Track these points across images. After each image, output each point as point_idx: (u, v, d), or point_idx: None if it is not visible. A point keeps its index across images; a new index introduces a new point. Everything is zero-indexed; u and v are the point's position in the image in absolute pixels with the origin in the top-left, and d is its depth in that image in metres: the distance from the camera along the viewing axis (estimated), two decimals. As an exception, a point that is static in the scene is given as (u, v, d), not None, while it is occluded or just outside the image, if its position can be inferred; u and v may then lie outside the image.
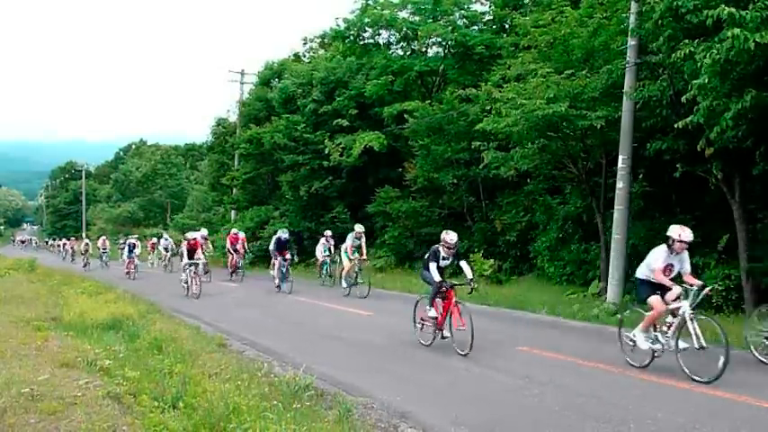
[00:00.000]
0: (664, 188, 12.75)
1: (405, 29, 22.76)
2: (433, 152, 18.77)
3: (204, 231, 21.68)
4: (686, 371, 6.74)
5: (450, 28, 20.86)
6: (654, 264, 7.15)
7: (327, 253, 17.39)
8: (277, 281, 16.36)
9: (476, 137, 15.81)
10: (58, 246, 47.77)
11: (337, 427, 5.14)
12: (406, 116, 19.60)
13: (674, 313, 7.08)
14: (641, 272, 7.46)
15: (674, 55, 8.97)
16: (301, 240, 24.28)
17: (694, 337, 6.65)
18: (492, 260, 16.68)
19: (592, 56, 12.77)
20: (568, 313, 11.52)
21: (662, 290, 7.17)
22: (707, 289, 6.97)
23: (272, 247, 16.99)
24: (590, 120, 11.81)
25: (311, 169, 23.91)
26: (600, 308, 11.40)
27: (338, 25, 23.96)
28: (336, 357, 8.49)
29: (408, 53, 23.93)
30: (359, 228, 15.64)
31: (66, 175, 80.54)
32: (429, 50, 23.63)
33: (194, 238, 16.48)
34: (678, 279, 7.21)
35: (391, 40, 24.45)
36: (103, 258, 30.18)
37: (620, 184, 11.91)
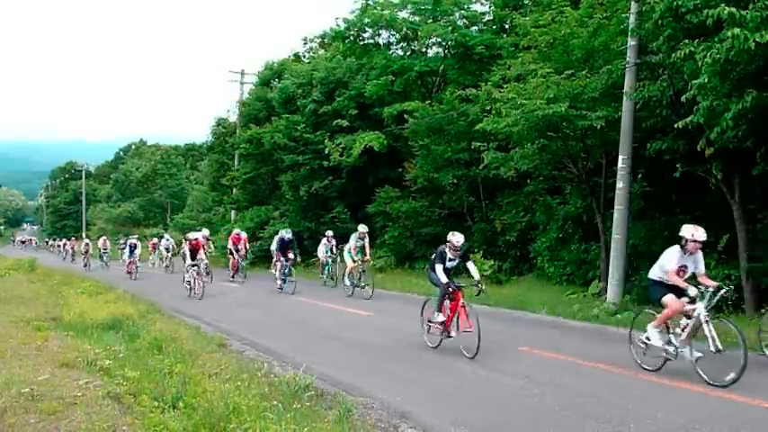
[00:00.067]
0: (664, 188, 12.75)
1: (405, 29, 22.75)
2: (433, 152, 18.77)
3: (206, 231, 21.67)
4: (703, 376, 6.55)
5: (450, 28, 20.85)
6: (667, 265, 6.99)
7: (329, 253, 17.33)
8: (279, 281, 16.32)
9: (476, 137, 15.81)
10: (59, 246, 47.74)
11: (337, 427, 5.14)
12: (406, 116, 19.60)
13: (688, 315, 6.89)
14: (654, 273, 7.32)
15: (674, 55, 8.97)
16: (301, 240, 24.28)
17: (710, 340, 6.47)
18: (492, 260, 16.69)
19: (592, 56, 12.77)
20: (568, 313, 11.52)
21: (675, 291, 6.97)
22: (723, 291, 6.76)
23: (274, 246, 16.94)
24: (590, 120, 11.80)
25: (311, 169, 23.91)
26: (600, 308, 11.40)
27: (338, 25, 23.97)
28: (336, 357, 8.49)
29: (408, 53, 23.93)
30: (362, 228, 15.48)
31: (66, 175, 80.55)
32: (429, 50, 23.65)
33: (196, 239, 16.42)
34: (692, 280, 7.00)
35: (391, 41, 24.46)
36: (104, 258, 30.17)
37: (620, 184, 11.91)
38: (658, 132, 11.18)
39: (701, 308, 6.69)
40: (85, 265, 29.58)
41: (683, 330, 6.89)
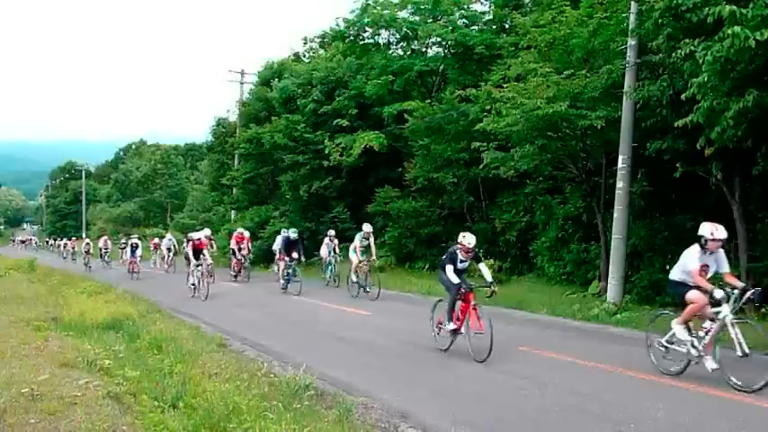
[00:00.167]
0: (664, 188, 12.74)
1: (405, 29, 22.74)
2: (432, 152, 18.76)
3: (207, 231, 21.65)
4: (731, 380, 6.29)
5: (450, 28, 20.84)
6: (689, 265, 6.73)
7: (332, 253, 17.24)
8: (282, 281, 16.23)
9: (476, 137, 15.80)
10: (59, 246, 47.71)
11: (337, 427, 5.14)
12: (405, 116, 19.58)
13: (712, 318, 6.61)
14: (675, 274, 7.07)
15: (674, 54, 8.97)
16: (302, 240, 24.26)
17: (737, 344, 6.23)
18: (492, 260, 16.66)
19: (592, 56, 12.76)
20: (568, 313, 11.52)
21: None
22: (749, 292, 6.45)
23: (278, 246, 16.86)
24: (590, 119, 11.80)
25: (311, 169, 23.91)
26: (600, 308, 11.40)
27: (338, 25, 23.98)
28: (337, 357, 8.49)
29: (408, 53, 23.91)
30: (367, 227, 15.35)
31: (67, 175, 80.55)
32: (429, 50, 23.63)
33: (199, 239, 16.32)
34: (714, 280, 6.73)
35: (391, 40, 24.44)
36: (105, 258, 30.14)
37: (620, 184, 11.90)
38: (658, 132, 11.17)
39: (726, 310, 6.43)
40: (86, 265, 29.54)
41: (706, 334, 6.65)
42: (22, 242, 69.16)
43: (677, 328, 6.91)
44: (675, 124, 9.62)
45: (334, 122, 22.97)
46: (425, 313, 9.29)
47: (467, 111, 17.15)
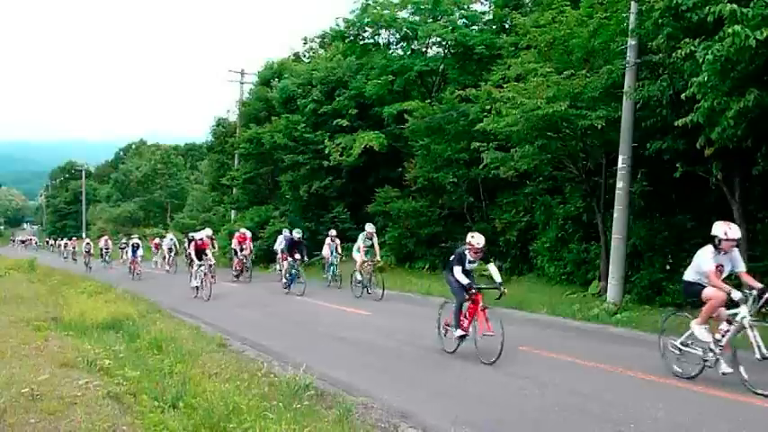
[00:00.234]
0: (664, 188, 12.73)
1: (405, 29, 22.71)
2: (432, 152, 18.75)
3: (209, 231, 21.63)
4: (748, 384, 6.14)
5: (450, 28, 20.82)
6: (704, 266, 6.55)
7: (334, 253, 17.20)
8: (285, 281, 16.17)
9: (476, 137, 15.79)
10: (59, 246, 47.72)
11: (337, 427, 5.14)
12: (405, 116, 19.57)
13: (729, 320, 6.46)
14: (689, 275, 6.91)
15: (674, 54, 8.96)
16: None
17: (755, 347, 6.11)
18: (492, 260, 16.63)
19: (592, 56, 12.75)
20: (568, 313, 11.52)
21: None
22: None
23: (280, 246, 16.80)
24: (590, 119, 11.79)
25: (311, 169, 23.90)
26: (600, 308, 11.40)
27: (338, 25, 23.95)
28: (337, 357, 8.49)
29: (408, 53, 23.90)
30: (369, 228, 15.29)
31: (67, 175, 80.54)
32: (429, 50, 23.60)
33: (202, 239, 16.28)
34: (729, 281, 6.62)
35: (391, 40, 24.42)
36: (106, 258, 30.13)
37: (620, 184, 11.90)
38: (658, 132, 11.16)
39: (744, 312, 6.29)
40: (87, 265, 29.54)
41: (722, 336, 6.49)
42: (23, 242, 69.21)
43: (697, 330, 6.66)
44: (675, 123, 9.62)
45: (334, 122, 22.96)
46: (425, 313, 9.30)
47: (467, 111, 17.14)
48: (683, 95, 9.07)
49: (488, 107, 14.15)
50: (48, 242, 65.28)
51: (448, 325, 8.44)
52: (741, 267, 6.62)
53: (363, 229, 15.58)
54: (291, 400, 5.79)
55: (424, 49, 23.52)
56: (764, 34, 7.55)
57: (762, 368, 6.17)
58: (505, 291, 8.13)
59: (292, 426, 4.82)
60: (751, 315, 6.30)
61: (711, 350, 6.54)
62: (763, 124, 8.99)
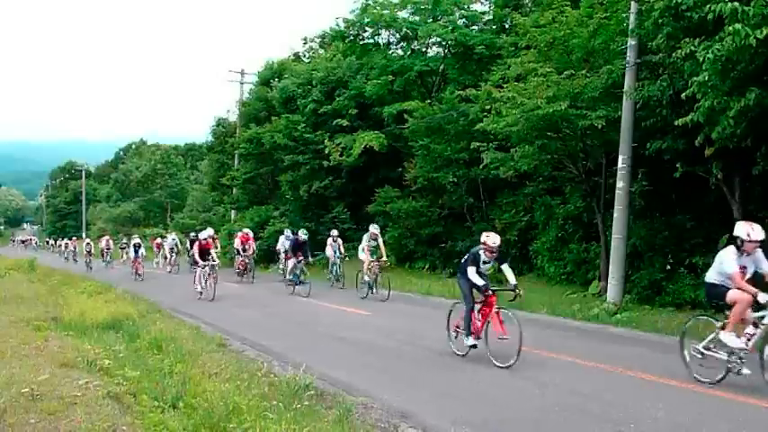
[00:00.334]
0: (664, 188, 12.74)
1: (405, 29, 22.75)
2: (432, 152, 18.75)
3: (211, 230, 21.59)
4: None
5: (450, 28, 20.83)
6: (728, 268, 6.38)
7: (337, 253, 17.17)
8: (290, 281, 16.14)
9: (476, 137, 15.80)
10: (60, 246, 47.68)
11: (337, 427, 5.14)
12: (405, 116, 19.58)
13: (755, 323, 6.30)
14: (710, 276, 6.72)
15: (674, 54, 8.97)
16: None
17: None
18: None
19: (592, 56, 12.75)
20: (568, 313, 11.52)
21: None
22: None
23: (284, 246, 16.71)
24: (590, 119, 11.79)
25: (311, 169, 23.91)
26: (600, 308, 11.40)
27: (338, 25, 23.97)
28: (337, 357, 8.48)
29: (408, 53, 23.92)
30: (374, 228, 15.23)
31: (67, 175, 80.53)
32: (429, 50, 23.64)
33: (206, 239, 16.24)
34: (754, 282, 6.42)
35: (391, 40, 24.46)
36: (107, 259, 30.09)
37: (620, 184, 11.90)
38: (658, 132, 11.17)
39: None
40: (87, 265, 29.49)
41: (749, 340, 6.31)
42: (23, 242, 69.20)
43: (727, 337, 6.40)
44: (676, 123, 9.62)
45: (334, 122, 22.96)
46: (425, 313, 9.31)
47: (467, 111, 17.14)
48: (683, 95, 9.08)
49: (488, 107, 14.16)
50: (48, 242, 65.24)
51: (458, 327, 8.24)
52: (765, 268, 6.40)
53: (365, 230, 15.55)
54: (291, 400, 5.78)
55: (424, 49, 23.56)
56: (765, 33, 7.55)
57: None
58: (521, 292, 7.83)
59: (292, 426, 4.81)
60: None
61: (737, 354, 6.34)
62: (763, 124, 8.99)
